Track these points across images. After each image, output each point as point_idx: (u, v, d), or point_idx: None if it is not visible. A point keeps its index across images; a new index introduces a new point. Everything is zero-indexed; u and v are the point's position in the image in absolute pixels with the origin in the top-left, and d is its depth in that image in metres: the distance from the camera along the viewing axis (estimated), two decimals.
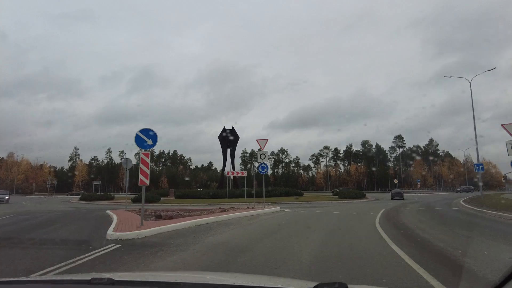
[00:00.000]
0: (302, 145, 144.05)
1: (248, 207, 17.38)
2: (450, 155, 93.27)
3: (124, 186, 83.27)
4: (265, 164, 18.39)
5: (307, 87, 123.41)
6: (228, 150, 49.40)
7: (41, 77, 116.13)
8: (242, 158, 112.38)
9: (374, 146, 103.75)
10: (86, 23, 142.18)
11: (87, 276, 1.32)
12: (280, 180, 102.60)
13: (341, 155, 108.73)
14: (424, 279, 4.17)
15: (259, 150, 18.67)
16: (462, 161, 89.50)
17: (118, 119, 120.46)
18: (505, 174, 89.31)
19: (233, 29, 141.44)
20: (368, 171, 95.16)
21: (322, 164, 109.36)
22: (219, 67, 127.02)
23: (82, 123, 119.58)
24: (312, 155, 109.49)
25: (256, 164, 36.15)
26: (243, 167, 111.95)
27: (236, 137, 49.76)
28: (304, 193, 54.70)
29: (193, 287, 1.30)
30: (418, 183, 60.89)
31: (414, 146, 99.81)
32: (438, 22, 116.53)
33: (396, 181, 66.50)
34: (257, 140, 18.65)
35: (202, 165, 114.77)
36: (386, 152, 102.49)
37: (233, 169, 50.25)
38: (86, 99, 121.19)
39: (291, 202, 29.75)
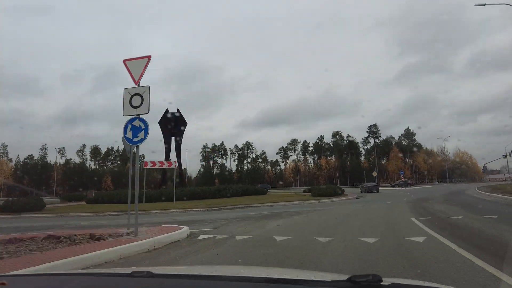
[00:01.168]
0: (272, 143, 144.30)
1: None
2: (423, 148, 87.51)
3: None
4: (142, 121, 7.13)
5: (277, 86, 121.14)
6: (173, 139, 38.09)
7: None
8: (202, 154, 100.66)
9: (345, 138, 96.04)
10: (44, 18, 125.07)
11: (127, 270, 1.33)
12: (246, 176, 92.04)
13: (310, 148, 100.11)
14: None
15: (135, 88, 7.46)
16: (437, 151, 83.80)
17: (80, 119, 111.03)
18: (484, 164, 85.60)
19: (202, 28, 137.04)
20: (341, 164, 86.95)
21: (291, 158, 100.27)
22: (188, 66, 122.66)
23: (41, 124, 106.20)
24: (280, 149, 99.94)
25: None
26: (203, 164, 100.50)
27: (183, 123, 38.55)
28: (271, 190, 44.42)
29: (228, 280, 1.29)
30: (402, 175, 52.57)
31: (389, 136, 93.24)
32: (402, 23, 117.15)
33: (375, 173, 58.08)
34: (124, 61, 7.47)
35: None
36: (358, 143, 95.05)
37: (179, 163, 38.48)
38: (45, 98, 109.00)
39: (245, 206, 18.98)
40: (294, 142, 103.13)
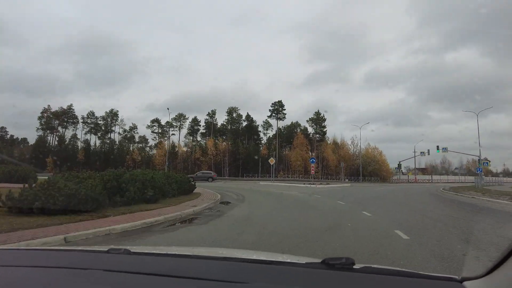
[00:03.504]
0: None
1: None
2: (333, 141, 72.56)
3: None
4: None
5: (191, 73, 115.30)
6: None
7: None
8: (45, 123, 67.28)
9: (244, 117, 75.15)
10: None
11: (105, 248, 1.39)
12: (97, 157, 63.40)
13: (200, 127, 76.62)
14: None
15: None
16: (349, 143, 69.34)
17: None
18: (399, 162, 75.07)
19: None
20: (234, 150, 65.47)
21: (175, 139, 75.01)
22: (95, 37, 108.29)
23: None
24: (153, 121, 73.45)
25: None
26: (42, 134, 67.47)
27: None
28: None
29: (205, 259, 1.32)
30: (313, 163, 32.77)
31: (294, 122, 75.65)
32: (314, 30, 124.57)
33: (272, 160, 37.78)
34: None
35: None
36: (258, 126, 75.29)
37: None
38: None
39: None
40: (180, 117, 78.15)
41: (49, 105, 70.68)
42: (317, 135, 70.33)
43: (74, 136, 70.22)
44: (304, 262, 1.17)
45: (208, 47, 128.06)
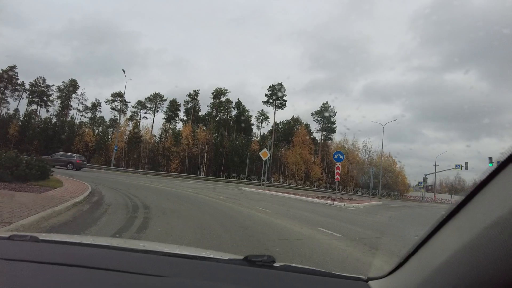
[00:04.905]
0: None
1: None
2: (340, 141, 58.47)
3: None
4: None
5: (190, 69, 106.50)
6: None
7: None
8: None
9: (234, 104, 60.70)
10: None
11: (6, 234, 1.26)
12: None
13: (180, 112, 62.06)
14: None
15: None
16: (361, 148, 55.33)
17: None
18: (425, 175, 61.24)
19: None
20: (216, 142, 50.96)
21: (147, 123, 60.15)
22: (98, 24, 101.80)
23: None
24: (114, 95, 58.42)
25: None
26: None
27: None
28: None
29: (122, 250, 1.26)
30: (339, 163, 18.43)
31: (295, 117, 61.41)
32: (316, 39, 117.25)
33: (265, 154, 23.58)
34: None
35: None
36: (251, 116, 60.92)
37: None
38: None
39: None
40: (157, 98, 63.58)
41: None
42: (323, 133, 56.18)
43: (14, 109, 54.90)
44: (226, 258, 1.18)
45: (208, 45, 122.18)
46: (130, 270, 0.99)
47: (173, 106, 64.08)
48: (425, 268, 0.75)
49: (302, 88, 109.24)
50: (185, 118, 63.85)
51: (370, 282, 1.01)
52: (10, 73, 53.44)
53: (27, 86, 55.75)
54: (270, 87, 56.88)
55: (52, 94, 57.34)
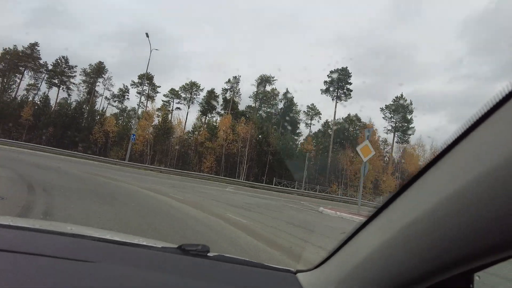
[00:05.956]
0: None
1: None
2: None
3: None
4: None
5: (229, 72, 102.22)
6: None
7: None
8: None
9: (281, 96, 50.58)
10: None
11: None
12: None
13: (218, 105, 53.12)
14: None
15: None
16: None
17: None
18: None
19: None
20: (260, 140, 41.08)
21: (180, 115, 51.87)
22: (145, 27, 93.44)
23: None
24: (141, 76, 50.37)
25: None
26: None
27: None
28: None
29: (48, 234, 1.15)
30: None
31: (352, 115, 50.08)
32: (356, 44, 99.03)
33: (368, 150, 13.37)
34: None
35: None
36: (299, 111, 50.42)
37: None
38: None
39: None
40: (192, 87, 55.36)
41: (15, 46, 49.97)
42: (396, 133, 44.39)
43: (34, 88, 48.50)
44: (160, 246, 1.15)
45: (247, 50, 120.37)
46: (55, 254, 0.92)
47: (210, 97, 55.57)
48: (349, 262, 0.79)
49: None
50: (222, 112, 55.24)
51: (298, 275, 1.04)
52: (31, 50, 47.26)
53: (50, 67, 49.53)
54: (331, 72, 45.86)
55: (75, 76, 50.69)
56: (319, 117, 53.29)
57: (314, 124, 54.25)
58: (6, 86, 45.71)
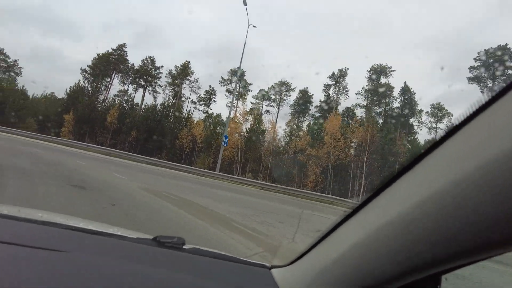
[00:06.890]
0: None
1: None
2: None
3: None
4: None
5: (306, 83, 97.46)
6: None
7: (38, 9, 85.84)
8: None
9: (400, 91, 39.66)
10: None
11: None
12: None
13: (311, 106, 44.54)
14: None
15: None
16: None
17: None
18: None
19: (250, 9, 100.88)
20: (381, 148, 31.01)
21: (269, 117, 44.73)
22: (229, 43, 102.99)
23: (70, 68, 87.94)
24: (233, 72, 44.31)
25: None
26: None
27: None
28: None
29: (16, 221, 1.09)
30: None
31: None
32: (453, 46, 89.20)
33: None
34: None
35: None
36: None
37: None
38: (82, 44, 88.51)
39: None
40: (282, 86, 47.94)
41: (107, 51, 49.09)
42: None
43: (123, 93, 46.31)
44: (135, 237, 1.13)
45: (327, 58, 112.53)
46: (24, 243, 0.88)
47: (304, 98, 47.43)
48: (323, 260, 0.80)
49: (428, 102, 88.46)
50: (318, 114, 46.55)
51: (273, 270, 1.04)
52: (119, 52, 45.17)
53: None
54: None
55: (160, 77, 47.33)
56: (450, 118, 40.82)
57: (441, 128, 42.03)
58: (97, 90, 44.09)
